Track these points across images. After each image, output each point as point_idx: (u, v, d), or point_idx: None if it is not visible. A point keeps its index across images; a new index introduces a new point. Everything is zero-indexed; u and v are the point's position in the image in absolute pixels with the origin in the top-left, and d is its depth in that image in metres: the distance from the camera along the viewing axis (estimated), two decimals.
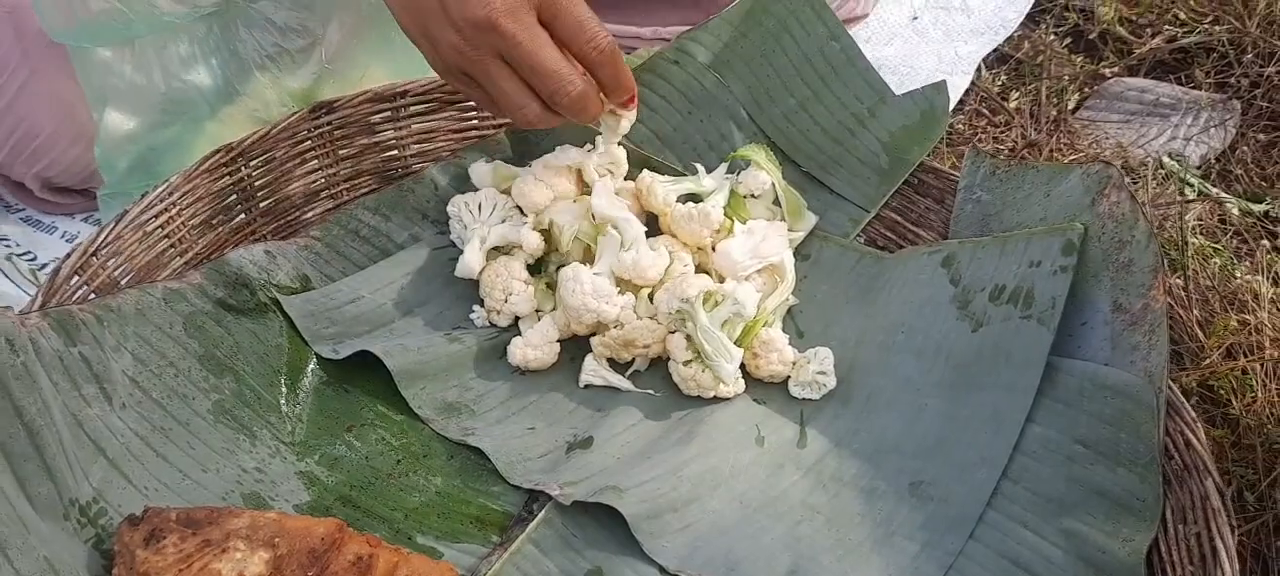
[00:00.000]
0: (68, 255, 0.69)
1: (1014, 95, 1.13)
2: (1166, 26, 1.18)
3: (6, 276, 0.95)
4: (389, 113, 0.87)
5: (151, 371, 0.70)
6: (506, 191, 0.84)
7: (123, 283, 0.72)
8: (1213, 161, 1.07)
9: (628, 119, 0.80)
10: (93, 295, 0.70)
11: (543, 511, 0.70)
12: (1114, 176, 0.72)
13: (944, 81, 0.85)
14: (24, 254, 0.98)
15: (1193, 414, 0.65)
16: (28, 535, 0.57)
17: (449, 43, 0.71)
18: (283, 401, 0.74)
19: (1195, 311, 0.81)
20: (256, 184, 0.80)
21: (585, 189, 0.83)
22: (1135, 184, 0.99)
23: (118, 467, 0.66)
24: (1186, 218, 0.93)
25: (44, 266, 0.97)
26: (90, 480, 0.64)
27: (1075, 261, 0.72)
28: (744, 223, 0.82)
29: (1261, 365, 0.77)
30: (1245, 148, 1.08)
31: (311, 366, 0.76)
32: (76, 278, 0.69)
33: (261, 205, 0.81)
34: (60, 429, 0.62)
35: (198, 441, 0.69)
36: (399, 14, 0.74)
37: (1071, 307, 0.72)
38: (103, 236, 0.71)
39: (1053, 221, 0.75)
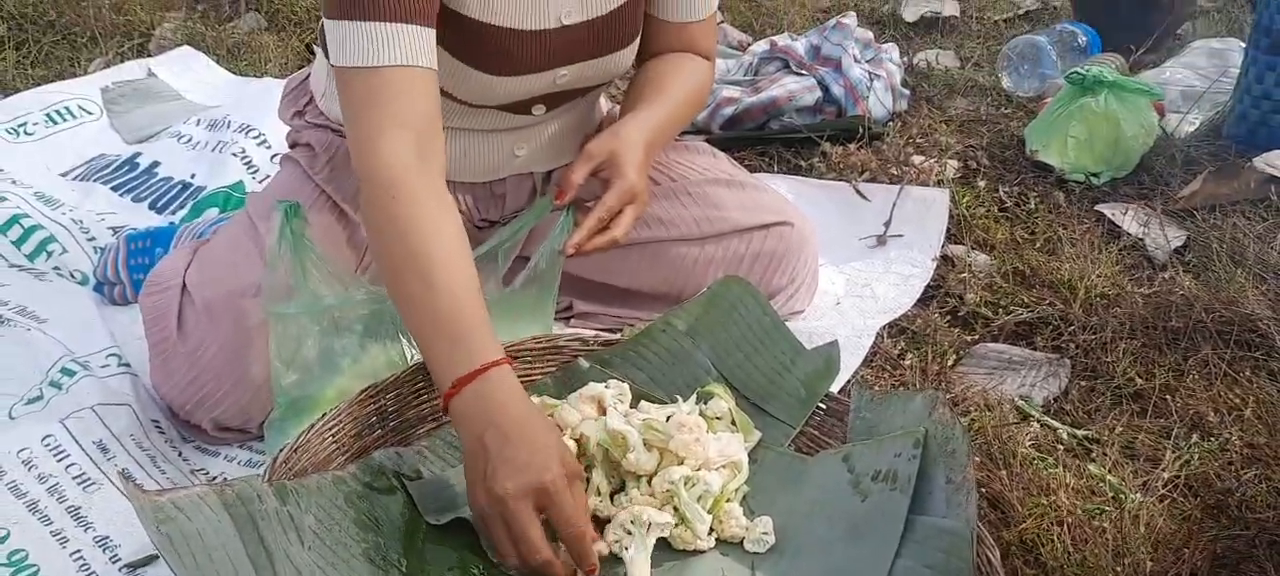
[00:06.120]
0: (281, 450, 1.09)
1: (909, 356, 1.56)
2: (1016, 308, 1.63)
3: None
4: None
5: (325, 527, 1.08)
6: (550, 414, 1.24)
7: (309, 470, 1.11)
8: (1052, 402, 1.49)
9: None
10: (291, 477, 1.09)
11: None
12: (940, 398, 1.14)
13: (836, 340, 1.29)
14: (198, 470, 1.36)
15: (991, 540, 1.03)
16: None
17: (478, 498, 1.05)
18: (405, 551, 1.11)
19: (1016, 493, 1.21)
20: (389, 410, 1.21)
21: (603, 412, 1.24)
22: (991, 415, 1.40)
23: None
24: (1021, 437, 1.34)
25: (213, 479, 1.35)
26: None
27: (921, 452, 1.12)
28: (714, 434, 1.22)
29: (1058, 526, 1.16)
30: (1074, 392, 1.50)
31: (424, 528, 1.14)
32: (283, 466, 1.09)
33: (391, 424, 1.21)
34: (281, 553, 1.00)
35: (355, 574, 1.06)
36: (464, 458, 1.08)
37: (921, 482, 1.11)
38: (298, 440, 1.11)
39: (907, 427, 1.15)
